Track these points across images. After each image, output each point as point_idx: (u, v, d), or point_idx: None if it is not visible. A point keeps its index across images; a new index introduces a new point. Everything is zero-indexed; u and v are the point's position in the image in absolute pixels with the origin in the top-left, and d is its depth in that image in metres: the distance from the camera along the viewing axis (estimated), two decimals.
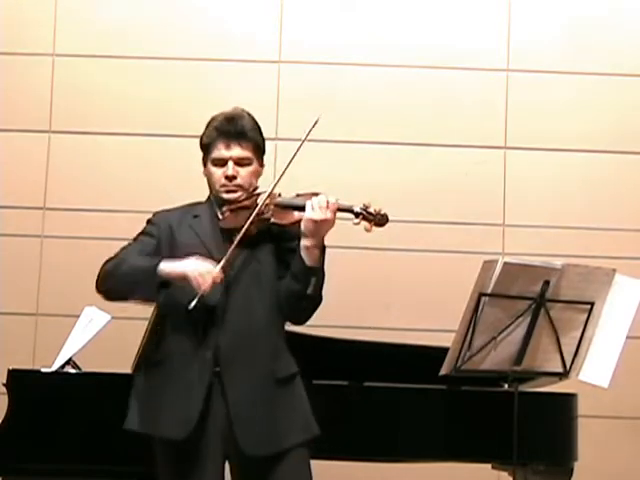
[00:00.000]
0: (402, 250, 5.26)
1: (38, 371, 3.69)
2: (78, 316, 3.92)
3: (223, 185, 3.13)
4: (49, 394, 3.57)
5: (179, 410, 2.95)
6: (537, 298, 3.18)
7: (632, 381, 4.98)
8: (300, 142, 3.07)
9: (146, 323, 3.71)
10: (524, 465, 3.73)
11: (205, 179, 3.26)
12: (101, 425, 3.51)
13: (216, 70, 5.56)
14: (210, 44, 5.57)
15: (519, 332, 3.21)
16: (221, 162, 3.13)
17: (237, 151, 3.12)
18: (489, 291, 3.13)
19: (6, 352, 5.09)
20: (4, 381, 3.59)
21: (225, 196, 3.13)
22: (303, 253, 2.97)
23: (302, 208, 3.00)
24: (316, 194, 3.02)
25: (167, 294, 3.05)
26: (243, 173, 3.12)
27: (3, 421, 3.52)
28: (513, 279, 3.14)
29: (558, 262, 3.22)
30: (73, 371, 3.75)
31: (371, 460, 3.85)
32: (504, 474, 4.17)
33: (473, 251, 5.06)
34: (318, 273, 3.00)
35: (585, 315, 3.25)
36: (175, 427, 2.95)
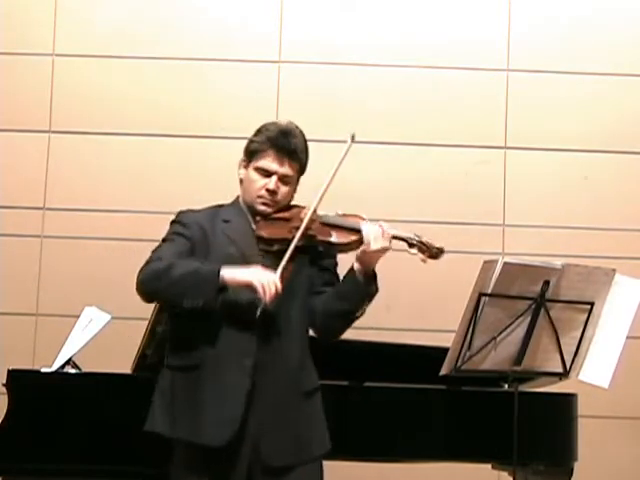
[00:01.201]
0: (402, 250, 5.26)
1: (38, 371, 3.68)
2: (78, 316, 3.91)
3: (261, 196, 3.09)
4: (49, 394, 3.57)
5: (220, 416, 2.93)
6: (537, 298, 3.18)
7: (632, 381, 4.98)
8: (339, 162, 3.08)
9: (146, 323, 3.72)
10: (524, 465, 3.73)
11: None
12: (101, 425, 3.51)
13: (216, 70, 5.56)
14: (210, 44, 5.57)
15: (519, 332, 3.21)
16: (266, 173, 3.10)
17: (285, 168, 3.10)
18: (489, 291, 3.13)
19: (6, 352, 5.10)
20: (4, 381, 3.58)
21: (260, 208, 3.10)
22: (359, 277, 3.01)
23: (349, 229, 3.04)
24: (362, 217, 3.07)
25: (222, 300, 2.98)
26: (283, 190, 3.10)
27: (3, 421, 3.51)
28: (513, 279, 3.14)
29: (558, 262, 3.21)
30: (73, 371, 3.75)
31: (371, 460, 3.85)
32: (504, 474, 4.17)
33: (473, 251, 5.05)
34: (372, 297, 3.05)
35: (585, 315, 3.25)
36: (216, 433, 2.93)
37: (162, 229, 5.39)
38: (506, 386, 3.90)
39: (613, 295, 3.27)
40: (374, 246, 2.98)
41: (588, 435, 4.11)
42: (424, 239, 3.06)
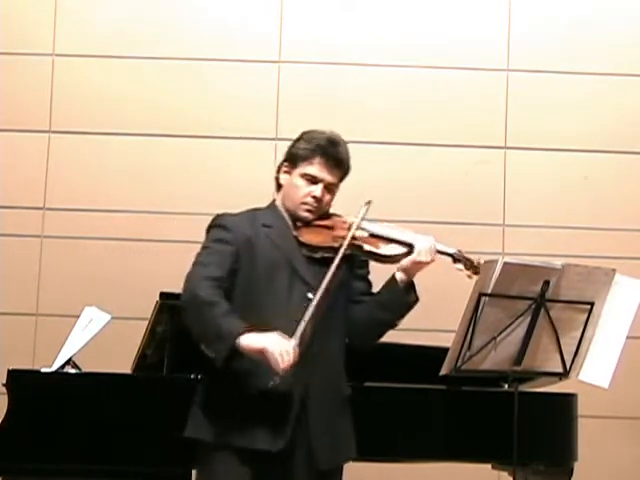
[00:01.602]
0: None
1: (38, 371, 3.68)
2: (78, 316, 3.91)
3: (305, 203, 3.10)
4: (49, 394, 3.57)
5: (274, 422, 2.95)
6: (537, 298, 3.18)
7: (632, 381, 4.98)
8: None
9: (146, 323, 3.72)
10: (524, 465, 3.73)
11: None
12: (101, 425, 3.51)
13: (216, 70, 5.56)
14: (210, 44, 5.57)
15: (519, 332, 3.21)
16: (313, 180, 3.10)
17: (332, 177, 3.12)
18: (489, 291, 3.13)
19: (6, 352, 5.10)
20: (4, 381, 3.58)
21: (303, 214, 3.11)
22: (402, 286, 3.07)
23: (398, 241, 3.10)
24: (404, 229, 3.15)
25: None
26: (327, 198, 3.13)
27: (3, 421, 3.51)
28: (513, 279, 3.14)
29: (558, 262, 3.21)
30: (73, 371, 3.75)
31: (371, 460, 3.84)
32: (504, 474, 4.17)
33: (473, 251, 5.04)
34: (412, 306, 3.10)
35: (585, 315, 3.25)
36: (271, 439, 2.94)
37: (162, 229, 5.45)
38: (506, 386, 3.90)
39: (613, 295, 3.26)
40: (420, 258, 3.05)
41: (588, 435, 4.11)
42: (466, 255, 3.15)
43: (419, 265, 3.07)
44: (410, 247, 3.09)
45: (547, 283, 3.17)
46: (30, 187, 5.49)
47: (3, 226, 5.45)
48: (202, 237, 3.00)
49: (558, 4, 5.61)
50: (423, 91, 5.55)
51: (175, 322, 3.66)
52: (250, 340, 2.84)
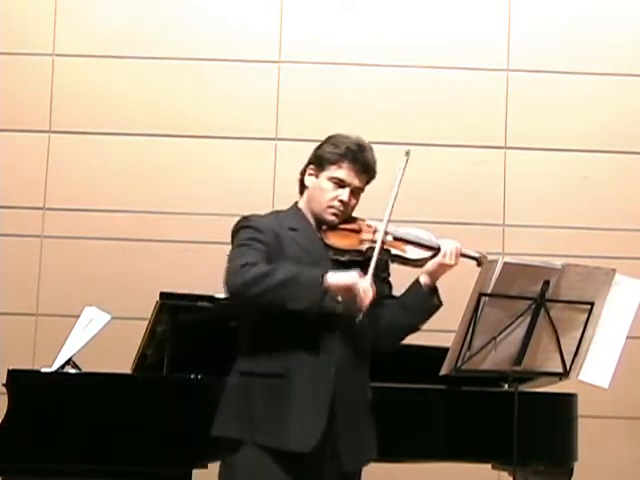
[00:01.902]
0: None
1: (38, 371, 3.68)
2: (78, 316, 3.91)
3: (332, 206, 3.11)
4: (49, 394, 3.57)
5: (307, 423, 2.96)
6: (537, 298, 3.18)
7: (632, 381, 4.98)
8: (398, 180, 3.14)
9: (146, 323, 3.72)
10: (524, 465, 3.73)
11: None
12: (101, 425, 3.51)
13: (216, 70, 5.56)
14: (210, 44, 5.58)
15: (519, 332, 3.21)
16: (341, 184, 3.11)
17: (360, 182, 3.14)
18: (489, 291, 3.13)
19: (6, 352, 5.10)
20: (4, 381, 3.58)
21: (329, 218, 3.12)
22: (426, 290, 3.12)
23: (424, 245, 3.14)
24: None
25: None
26: (352, 203, 3.14)
27: (3, 421, 3.51)
28: (513, 279, 3.14)
29: (558, 262, 3.21)
30: (73, 371, 3.75)
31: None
32: (504, 474, 4.17)
33: None
34: (436, 310, 3.15)
35: (585, 315, 3.25)
36: (303, 440, 2.95)
37: (162, 229, 5.45)
38: (506, 386, 3.90)
39: (613, 295, 3.26)
40: (445, 260, 3.10)
41: (588, 435, 4.11)
42: (491, 259, 3.17)
43: (444, 268, 3.11)
44: (435, 250, 3.13)
45: (547, 283, 3.17)
46: (30, 187, 5.49)
47: (3, 226, 5.45)
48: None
49: (558, 4, 5.61)
50: (423, 91, 5.56)
51: (175, 322, 3.67)
52: (337, 278, 2.91)
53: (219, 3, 5.64)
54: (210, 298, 3.67)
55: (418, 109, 5.53)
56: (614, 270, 3.28)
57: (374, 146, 3.25)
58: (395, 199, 3.09)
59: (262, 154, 5.31)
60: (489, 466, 4.07)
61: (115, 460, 3.51)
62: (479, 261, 3.21)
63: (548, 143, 5.52)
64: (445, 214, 5.36)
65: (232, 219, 3.15)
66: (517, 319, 3.18)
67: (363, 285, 2.90)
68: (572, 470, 3.85)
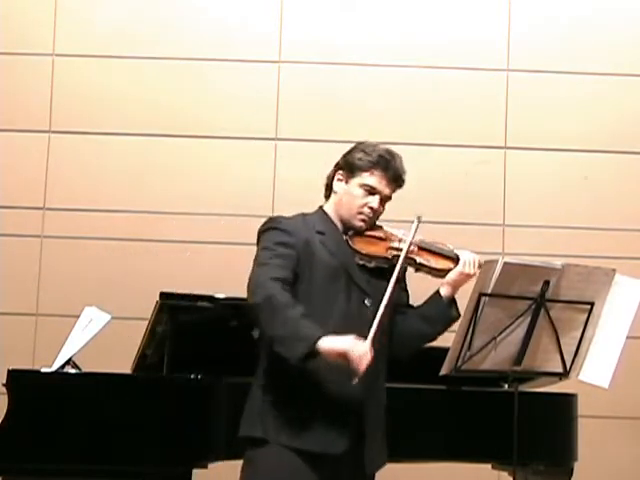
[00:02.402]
0: None
1: (38, 371, 3.68)
2: (78, 316, 3.91)
3: (361, 213, 3.11)
4: (49, 394, 3.57)
5: (337, 425, 2.98)
6: (537, 298, 3.18)
7: (632, 381, 4.98)
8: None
9: (146, 323, 3.72)
10: (524, 465, 3.73)
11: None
12: (101, 425, 3.50)
13: (216, 70, 5.56)
14: (210, 44, 5.58)
15: (519, 332, 3.21)
16: (372, 191, 3.12)
17: (390, 190, 3.15)
18: (489, 291, 3.13)
19: (6, 352, 5.10)
20: (4, 381, 3.58)
21: (357, 223, 3.12)
22: (446, 301, 3.16)
23: (446, 256, 3.20)
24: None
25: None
26: (381, 210, 3.17)
27: (3, 421, 3.51)
28: (513, 279, 3.13)
29: (558, 262, 3.21)
30: (73, 371, 3.75)
31: None
32: (504, 474, 4.17)
33: (473, 251, 5.05)
34: (454, 322, 3.17)
35: (585, 315, 3.25)
36: (332, 442, 2.97)
37: (162, 229, 5.45)
38: (506, 386, 3.90)
39: (613, 295, 3.26)
40: (465, 270, 3.15)
41: (588, 435, 4.11)
42: None
43: (465, 277, 3.15)
44: (455, 260, 3.17)
45: (547, 283, 3.17)
46: (30, 187, 5.49)
47: (3, 226, 5.45)
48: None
49: (558, 4, 5.61)
50: (423, 91, 5.56)
51: (175, 322, 3.66)
52: (331, 343, 2.84)
53: (219, 3, 5.64)
54: (210, 298, 3.67)
55: (418, 109, 5.53)
56: (614, 270, 3.28)
57: None
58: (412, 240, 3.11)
59: (262, 154, 5.31)
60: (489, 466, 4.07)
61: (115, 460, 3.50)
62: None
63: (548, 143, 5.52)
64: (445, 214, 5.36)
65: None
66: (517, 319, 3.18)
67: (359, 350, 2.84)
68: (572, 470, 3.85)
